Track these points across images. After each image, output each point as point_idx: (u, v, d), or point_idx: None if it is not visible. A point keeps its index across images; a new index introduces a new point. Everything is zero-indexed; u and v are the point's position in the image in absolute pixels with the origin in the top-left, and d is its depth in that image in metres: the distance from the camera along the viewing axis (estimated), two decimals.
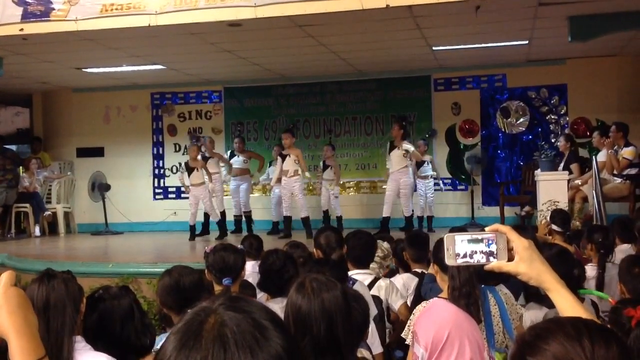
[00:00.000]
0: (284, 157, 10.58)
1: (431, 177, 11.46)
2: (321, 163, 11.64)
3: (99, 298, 2.93)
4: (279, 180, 10.83)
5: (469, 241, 1.63)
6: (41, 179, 12.54)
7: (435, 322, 2.93)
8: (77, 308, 2.69)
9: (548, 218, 5.90)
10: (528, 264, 1.61)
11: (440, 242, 3.60)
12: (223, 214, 11.44)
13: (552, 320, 1.30)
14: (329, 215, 11.31)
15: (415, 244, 5.21)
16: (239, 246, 4.31)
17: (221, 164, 11.77)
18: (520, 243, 1.62)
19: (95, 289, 3.05)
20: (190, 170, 10.90)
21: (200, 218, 11.21)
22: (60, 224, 12.65)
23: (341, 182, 11.90)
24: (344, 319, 2.39)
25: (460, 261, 1.64)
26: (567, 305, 1.59)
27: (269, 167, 11.98)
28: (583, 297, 3.92)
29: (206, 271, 3.98)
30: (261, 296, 4.29)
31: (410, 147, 10.57)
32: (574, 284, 3.97)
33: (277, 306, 3.69)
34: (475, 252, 1.63)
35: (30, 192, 12.27)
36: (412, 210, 10.82)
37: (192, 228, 10.99)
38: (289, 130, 11.13)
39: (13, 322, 1.45)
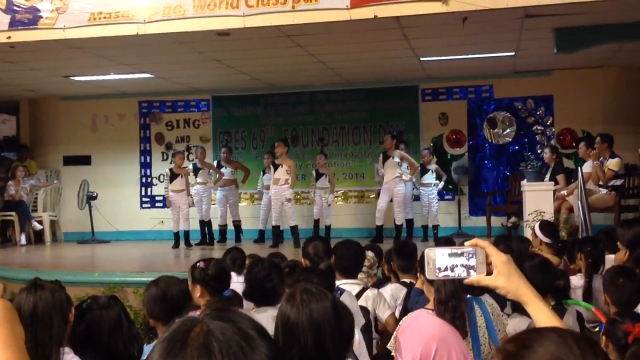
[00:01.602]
0: (275, 166, 10.60)
1: (434, 185, 11.39)
2: (313, 172, 11.64)
3: (88, 308, 2.92)
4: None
5: (450, 255, 1.66)
6: (27, 187, 12.46)
7: (422, 336, 2.92)
8: (65, 319, 2.68)
9: (536, 227, 5.91)
10: (506, 278, 1.64)
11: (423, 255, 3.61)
12: (209, 223, 11.46)
13: (534, 329, 1.32)
14: (319, 225, 11.33)
15: (403, 254, 5.21)
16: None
17: (211, 173, 11.76)
18: (498, 257, 1.65)
19: (84, 299, 3.04)
20: (174, 176, 10.98)
21: (194, 226, 11.28)
22: (46, 233, 12.57)
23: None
24: (333, 329, 2.39)
25: (441, 275, 1.67)
26: (544, 318, 1.62)
27: (263, 175, 11.93)
28: (567, 307, 3.95)
29: (198, 286, 3.91)
30: (247, 306, 4.28)
31: (403, 154, 10.89)
32: (559, 294, 4.01)
33: (265, 314, 3.69)
34: (456, 266, 1.66)
35: (16, 200, 12.19)
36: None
37: (177, 235, 11.02)
38: (283, 139, 11.19)
39: (0, 334, 1.45)
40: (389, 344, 3.55)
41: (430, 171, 11.40)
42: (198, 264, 4.00)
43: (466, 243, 1.67)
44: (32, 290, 2.67)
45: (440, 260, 1.66)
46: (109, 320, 2.89)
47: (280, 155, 10.67)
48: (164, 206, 12.91)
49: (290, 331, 2.37)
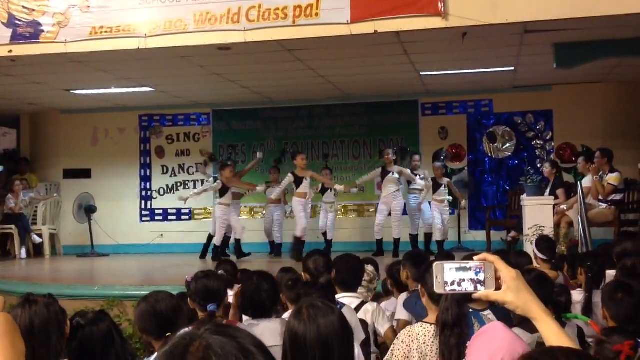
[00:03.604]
0: (299, 180, 10.45)
1: (447, 201, 11.16)
2: (320, 185, 11.59)
3: (77, 325, 2.90)
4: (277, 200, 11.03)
5: (458, 269, 1.66)
6: (27, 199, 12.45)
7: (489, 348, 2.88)
8: (62, 332, 2.67)
9: (534, 244, 5.93)
10: (515, 294, 1.64)
11: (427, 267, 3.62)
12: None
13: (545, 350, 1.32)
14: (327, 237, 11.32)
15: (417, 263, 5.18)
16: (219, 272, 4.31)
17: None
18: (507, 273, 1.65)
19: (72, 316, 3.02)
20: (224, 190, 10.75)
21: (203, 240, 11.27)
22: (45, 246, 12.55)
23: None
24: (340, 344, 2.41)
25: (448, 289, 1.67)
26: (553, 334, 1.61)
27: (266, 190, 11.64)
28: (567, 321, 3.94)
29: (189, 299, 3.96)
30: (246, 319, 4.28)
31: (402, 169, 10.87)
32: (560, 308, 4.00)
33: (259, 328, 3.68)
34: (464, 280, 1.66)
35: (16, 213, 12.19)
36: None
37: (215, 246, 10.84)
38: (300, 152, 11.11)
39: (0, 348, 1.44)
40: (385, 358, 3.54)
41: (443, 186, 11.17)
42: (187, 277, 4.03)
43: (475, 257, 1.67)
44: (26, 306, 2.66)
45: (448, 274, 1.66)
46: (100, 335, 2.88)
47: (304, 168, 10.54)
48: (164, 219, 12.97)
49: (298, 346, 2.38)
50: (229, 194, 10.80)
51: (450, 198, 11.30)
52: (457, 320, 2.94)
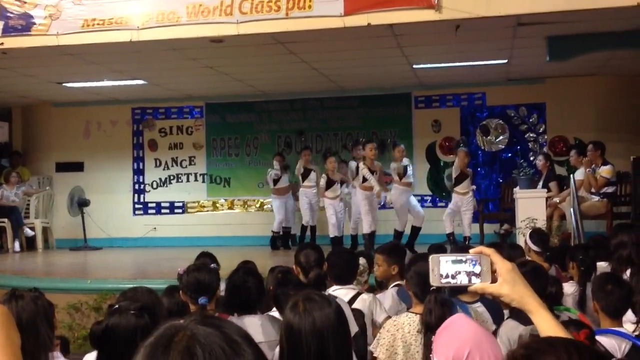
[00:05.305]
0: (371, 172, 10.01)
1: (472, 192, 10.53)
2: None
3: (117, 309, 2.79)
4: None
5: (453, 262, 1.67)
6: (20, 193, 12.41)
7: (455, 339, 2.90)
8: (51, 324, 2.66)
9: (527, 236, 5.95)
10: (511, 287, 1.64)
11: (411, 263, 3.64)
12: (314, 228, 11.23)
13: (545, 340, 1.32)
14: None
15: (399, 255, 5.18)
16: (212, 265, 4.30)
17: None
18: (503, 265, 1.66)
19: (116, 300, 2.94)
20: (330, 183, 10.54)
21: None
22: (38, 239, 12.52)
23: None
24: (336, 337, 2.41)
25: (443, 281, 1.67)
26: (548, 327, 1.62)
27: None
28: (559, 314, 3.96)
29: (181, 292, 3.96)
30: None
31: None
32: (551, 301, 4.02)
33: (241, 323, 3.68)
34: (459, 273, 1.66)
35: (9, 206, 12.13)
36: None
37: (334, 240, 10.53)
38: (371, 141, 10.59)
39: None
40: (371, 346, 3.55)
41: (468, 177, 10.56)
42: (179, 270, 4.02)
43: (471, 250, 1.67)
44: (12, 301, 2.64)
45: (444, 267, 1.67)
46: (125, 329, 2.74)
47: (374, 159, 10.00)
48: (157, 213, 12.96)
49: (293, 339, 2.38)
50: (334, 187, 10.52)
51: (474, 187, 10.79)
52: (440, 321, 2.94)
